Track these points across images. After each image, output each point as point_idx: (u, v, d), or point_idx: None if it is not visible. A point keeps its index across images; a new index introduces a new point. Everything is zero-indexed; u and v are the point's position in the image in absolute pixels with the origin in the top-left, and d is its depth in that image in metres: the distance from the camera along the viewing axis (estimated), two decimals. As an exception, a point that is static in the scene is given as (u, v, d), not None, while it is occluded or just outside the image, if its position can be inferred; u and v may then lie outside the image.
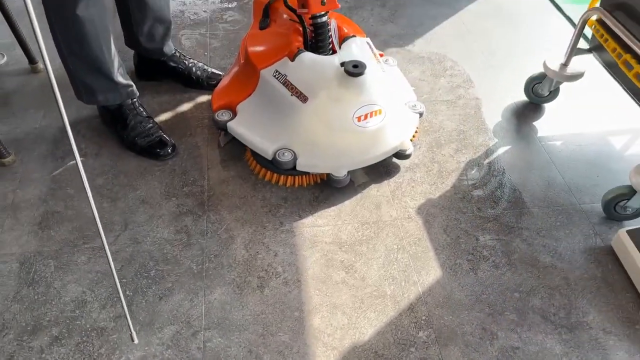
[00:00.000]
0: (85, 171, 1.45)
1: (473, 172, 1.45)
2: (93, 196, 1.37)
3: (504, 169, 1.46)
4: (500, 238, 1.29)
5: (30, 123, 1.55)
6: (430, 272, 1.21)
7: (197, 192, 1.38)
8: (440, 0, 2.16)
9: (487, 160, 1.49)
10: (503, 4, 2.14)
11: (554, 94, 1.62)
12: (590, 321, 1.13)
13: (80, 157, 1.45)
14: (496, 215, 1.34)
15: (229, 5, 2.09)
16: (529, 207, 1.36)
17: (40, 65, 1.73)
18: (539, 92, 1.62)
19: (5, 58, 1.79)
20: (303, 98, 1.32)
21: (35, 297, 1.14)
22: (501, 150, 1.51)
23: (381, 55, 1.62)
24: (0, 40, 1.82)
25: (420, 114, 1.50)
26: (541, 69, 1.57)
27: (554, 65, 1.54)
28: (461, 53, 1.87)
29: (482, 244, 1.27)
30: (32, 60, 1.73)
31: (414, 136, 1.51)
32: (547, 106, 1.65)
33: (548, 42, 1.95)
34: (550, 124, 1.61)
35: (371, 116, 1.34)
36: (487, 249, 1.26)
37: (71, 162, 1.43)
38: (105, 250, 0.83)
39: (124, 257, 1.22)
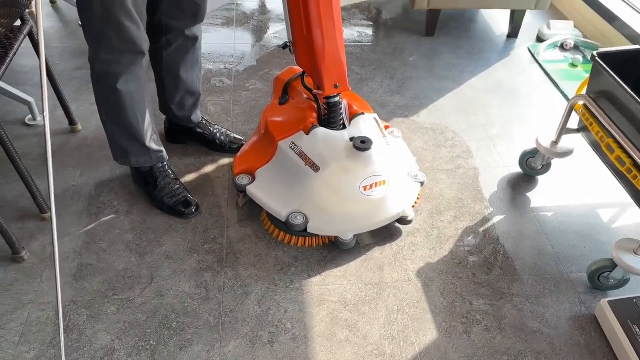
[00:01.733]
0: (117, 227, 1.62)
1: (469, 238, 1.58)
2: (123, 251, 1.52)
3: (498, 237, 1.59)
4: (493, 303, 1.40)
5: (68, 180, 1.71)
6: (427, 333, 1.33)
7: (217, 250, 1.52)
8: (445, 74, 2.35)
9: (482, 228, 1.61)
10: (504, 80, 2.32)
11: (546, 167, 1.76)
12: (573, 386, 1.22)
13: (113, 214, 1.62)
14: (490, 281, 1.46)
15: (252, 75, 2.29)
16: (520, 275, 1.48)
17: (79, 127, 1.92)
18: (533, 165, 1.76)
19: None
20: (315, 168, 1.48)
21: (69, 344, 1.27)
22: (496, 219, 1.65)
23: (387, 127, 1.79)
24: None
25: (422, 183, 1.64)
26: (534, 144, 1.72)
27: (546, 143, 1.69)
28: (462, 125, 2.04)
29: (475, 308, 1.39)
30: (72, 121, 1.92)
31: (415, 203, 1.65)
32: (540, 178, 1.80)
33: (544, 116, 2.11)
34: (543, 195, 1.74)
35: (376, 186, 1.49)
36: (480, 313, 1.37)
37: (104, 218, 1.58)
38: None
39: (150, 309, 1.35)
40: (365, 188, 1.48)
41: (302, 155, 1.50)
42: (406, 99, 2.17)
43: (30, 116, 1.96)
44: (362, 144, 1.46)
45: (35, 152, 1.81)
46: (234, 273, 1.46)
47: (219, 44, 2.50)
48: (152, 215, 1.61)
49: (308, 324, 1.34)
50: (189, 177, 1.75)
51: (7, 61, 1.45)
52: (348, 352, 1.28)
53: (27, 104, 1.93)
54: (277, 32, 2.63)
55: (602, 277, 1.41)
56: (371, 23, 2.78)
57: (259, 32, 2.64)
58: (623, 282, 1.41)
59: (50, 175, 0.92)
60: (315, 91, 1.51)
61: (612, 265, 1.37)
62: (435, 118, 2.07)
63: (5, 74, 1.44)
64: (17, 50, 1.52)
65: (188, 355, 1.26)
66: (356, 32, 2.67)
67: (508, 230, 1.61)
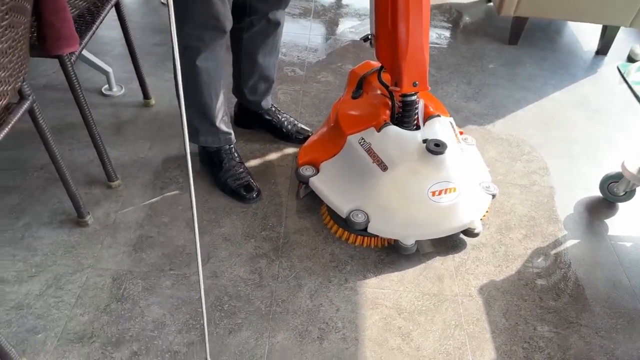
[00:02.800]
0: (180, 203, 1.62)
1: (539, 260, 1.48)
2: (183, 227, 1.52)
3: (570, 262, 1.48)
4: (559, 331, 1.31)
5: (138, 152, 1.74)
6: (485, 354, 1.25)
7: (274, 238, 1.50)
8: (526, 85, 2.23)
9: (554, 251, 1.51)
10: (589, 97, 2.18)
11: (629, 194, 1.63)
12: None
13: (177, 190, 1.63)
14: (557, 308, 1.36)
15: (324, 67, 2.26)
16: (591, 305, 1.37)
17: (153, 101, 1.95)
18: (614, 190, 1.64)
19: (123, 90, 2.02)
20: (383, 167, 1.42)
21: (122, 313, 1.28)
22: (570, 243, 1.54)
23: (461, 133, 1.71)
24: (123, 74, 2.07)
25: (493, 196, 1.56)
26: (619, 168, 1.59)
27: (633, 168, 1.56)
28: (540, 139, 1.93)
29: (539, 334, 1.30)
30: (146, 95, 1.95)
31: (484, 216, 1.56)
32: (621, 205, 1.67)
33: (632, 140, 1.96)
34: (623, 223, 1.62)
35: (445, 193, 1.42)
36: (543, 340, 1.28)
37: (168, 193, 1.60)
38: (199, 282, 0.95)
39: (204, 289, 1.34)
40: (433, 193, 1.41)
41: (371, 152, 1.46)
42: (482, 107, 2.08)
43: (107, 86, 2.01)
44: (435, 147, 1.39)
45: (108, 120, 1.85)
46: (288, 263, 1.43)
47: (294, 33, 2.48)
48: (214, 195, 1.61)
49: (360, 325, 1.29)
50: (253, 163, 1.74)
51: (93, 29, 1.48)
52: (399, 361, 1.23)
53: (106, 73, 1.98)
54: (353, 27, 2.59)
55: (686, 320, 1.28)
56: (451, 25, 2.69)
57: (335, 25, 2.61)
58: None
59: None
60: (391, 87, 1.46)
61: (701, 309, 1.24)
62: (511, 129, 1.97)
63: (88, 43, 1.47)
64: (102, 19, 1.54)
65: (237, 339, 1.24)
66: (435, 34, 2.59)
67: (582, 257, 1.50)
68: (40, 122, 1.27)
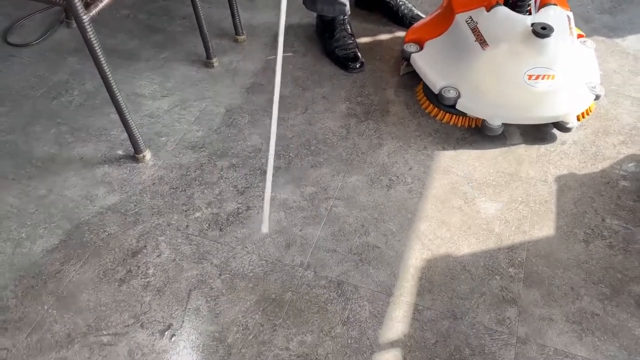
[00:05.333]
0: (291, 63, 1.81)
1: (630, 165, 1.44)
2: (290, 82, 1.70)
3: (665, 173, 1.42)
4: (628, 227, 1.29)
5: (265, 17, 1.93)
6: (544, 229, 1.29)
7: (367, 104, 1.62)
8: (676, 4, 2.02)
9: (650, 160, 1.45)
10: None
11: None
12: (689, 326, 1.11)
13: (291, 52, 1.80)
14: (634, 208, 1.33)
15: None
16: (674, 213, 1.32)
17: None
18: None
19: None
20: (484, 45, 1.45)
21: (229, 135, 1.51)
22: (671, 156, 1.46)
23: (580, 36, 1.64)
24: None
25: (597, 97, 1.51)
26: None
27: None
28: (674, 59, 1.77)
29: (606, 225, 1.30)
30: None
31: (583, 116, 1.53)
32: None
33: None
34: None
35: (543, 78, 1.42)
36: (608, 231, 1.28)
37: (284, 54, 1.77)
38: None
39: (297, 131, 1.53)
40: (530, 77, 1.42)
41: (476, 31, 1.48)
42: (616, 21, 1.94)
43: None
44: (541, 30, 1.38)
45: (244, -11, 2.07)
46: (375, 126, 1.55)
47: None
48: (322, 62, 1.76)
49: (427, 184, 1.39)
50: (363, 40, 1.85)
51: None
52: (457, 218, 1.31)
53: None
54: None
55: None
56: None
57: None
58: None
59: None
60: (510, -31, 1.45)
61: None
62: (643, 45, 1.83)
63: None
64: None
65: (316, 172, 1.42)
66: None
67: (681, 171, 1.43)
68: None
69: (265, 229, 1.27)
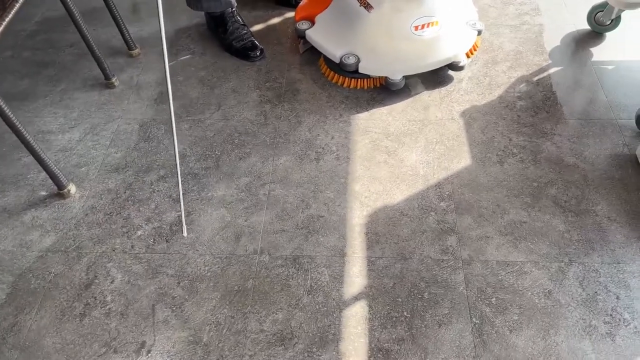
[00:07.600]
0: (192, 65, 1.81)
1: (521, 86, 1.59)
2: (196, 84, 1.71)
3: (551, 85, 1.58)
4: (533, 140, 1.44)
5: (154, 27, 1.92)
6: (462, 161, 1.41)
7: (277, 87, 1.67)
8: None
9: (537, 78, 1.61)
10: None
11: (615, 22, 1.68)
12: (598, 210, 1.27)
13: (189, 54, 1.81)
14: (533, 122, 1.49)
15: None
16: (566, 118, 1.49)
17: (164, -16, 2.09)
18: (601, 20, 1.69)
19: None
20: (369, 8, 1.54)
21: (149, 149, 1.51)
22: (553, 70, 1.63)
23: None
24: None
25: (479, 32, 1.65)
26: (606, -2, 1.64)
27: (618, -7, 1.60)
28: (536, -16, 1.96)
29: (514, 143, 1.44)
30: (157, -21, 2.09)
31: (471, 52, 1.67)
32: (608, 35, 1.72)
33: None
34: (607, 50, 1.68)
35: (428, 26, 1.53)
36: (517, 148, 1.43)
37: (182, 57, 1.78)
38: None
39: (216, 128, 1.55)
40: (416, 28, 1.53)
41: (359, -3, 1.57)
42: (479, -40, 2.11)
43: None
44: (416, -17, 1.49)
45: (125, 2, 2.02)
46: (290, 106, 1.61)
47: None
48: (222, 57, 1.78)
49: (351, 148, 1.47)
50: (256, 27, 1.89)
51: None
52: (385, 170, 1.41)
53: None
54: None
55: (652, 121, 1.39)
56: None
57: None
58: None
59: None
60: None
61: (664, 106, 1.34)
62: (507, -22, 2.00)
63: None
64: None
65: (246, 163, 1.45)
66: None
67: (563, 81, 1.60)
68: (70, 5, 1.44)
69: (185, 232, 1.30)
